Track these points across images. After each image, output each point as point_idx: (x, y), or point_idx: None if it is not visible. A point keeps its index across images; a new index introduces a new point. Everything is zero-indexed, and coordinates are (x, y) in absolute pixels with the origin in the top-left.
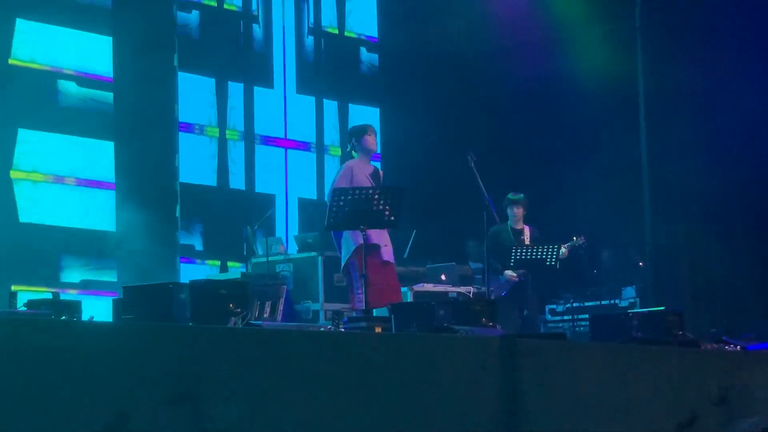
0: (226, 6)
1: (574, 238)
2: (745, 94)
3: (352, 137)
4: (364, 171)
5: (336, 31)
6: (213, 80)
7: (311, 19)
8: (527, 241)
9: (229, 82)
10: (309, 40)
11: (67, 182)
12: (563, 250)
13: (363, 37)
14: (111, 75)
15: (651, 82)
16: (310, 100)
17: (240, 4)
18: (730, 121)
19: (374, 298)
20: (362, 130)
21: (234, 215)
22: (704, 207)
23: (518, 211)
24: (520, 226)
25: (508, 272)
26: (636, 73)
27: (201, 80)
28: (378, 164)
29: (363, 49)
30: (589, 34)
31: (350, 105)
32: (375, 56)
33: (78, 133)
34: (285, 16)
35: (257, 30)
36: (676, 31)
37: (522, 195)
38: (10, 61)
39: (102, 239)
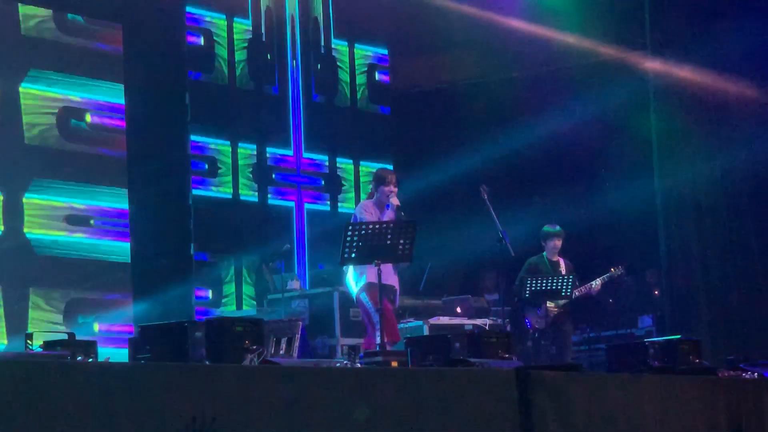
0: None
1: (612, 269)
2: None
3: (374, 181)
4: (374, 212)
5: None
6: (228, 142)
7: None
8: (564, 273)
9: (240, 143)
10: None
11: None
12: (597, 282)
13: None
14: (123, 123)
15: (663, 105)
16: (322, 159)
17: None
18: (743, 145)
19: (391, 334)
20: (382, 179)
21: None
22: (720, 234)
23: (557, 243)
24: (556, 258)
25: (549, 305)
26: (648, 99)
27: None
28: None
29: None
30: (601, 62)
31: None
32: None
33: (91, 181)
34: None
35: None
36: (686, 50)
37: (559, 227)
38: (24, 123)
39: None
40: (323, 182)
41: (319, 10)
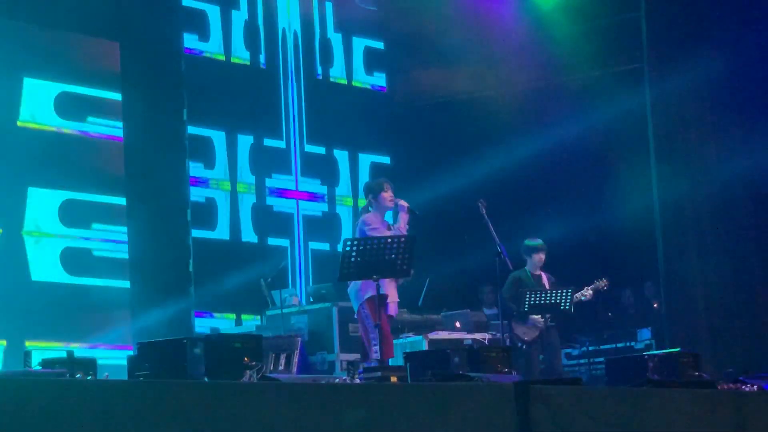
0: (233, 60)
1: (596, 281)
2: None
3: (369, 194)
4: (379, 223)
5: (345, 82)
6: (223, 133)
7: (319, 71)
8: (547, 287)
9: (239, 135)
10: (317, 91)
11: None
12: (589, 292)
13: (370, 87)
14: (121, 133)
15: (660, 118)
16: (320, 151)
17: (248, 58)
18: (742, 157)
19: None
20: (378, 187)
21: (247, 269)
22: (719, 246)
23: (541, 257)
24: (538, 272)
25: (536, 317)
26: (645, 113)
27: (211, 133)
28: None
29: (372, 99)
30: (598, 76)
31: (360, 154)
32: (384, 104)
33: (89, 191)
34: (292, 69)
35: (266, 82)
36: (684, 63)
37: (541, 240)
38: (19, 123)
39: (116, 295)
40: (320, 181)
41: (315, 18)
